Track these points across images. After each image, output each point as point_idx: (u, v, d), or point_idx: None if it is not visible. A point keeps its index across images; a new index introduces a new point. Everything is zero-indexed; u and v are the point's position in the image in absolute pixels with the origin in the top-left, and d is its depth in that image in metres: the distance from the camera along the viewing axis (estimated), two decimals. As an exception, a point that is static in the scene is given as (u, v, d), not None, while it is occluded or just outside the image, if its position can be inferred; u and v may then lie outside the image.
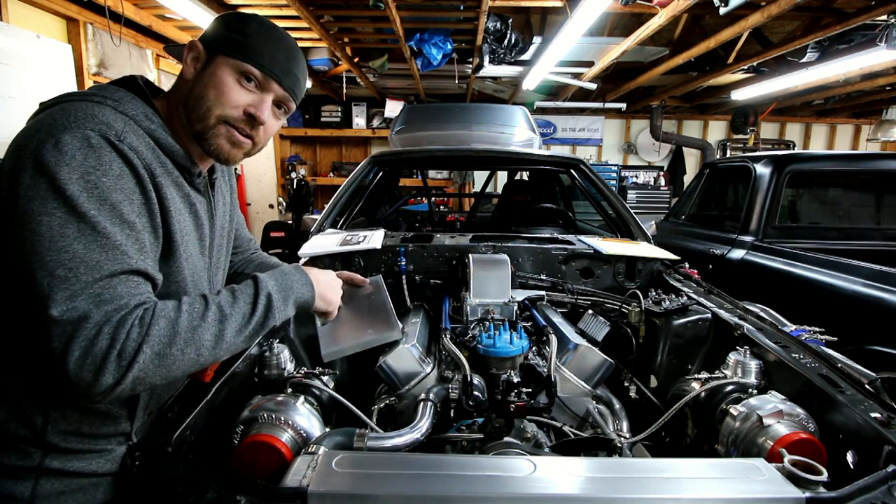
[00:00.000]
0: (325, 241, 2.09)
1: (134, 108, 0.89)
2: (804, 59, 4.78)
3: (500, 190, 5.06)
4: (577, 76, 5.85)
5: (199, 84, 0.95)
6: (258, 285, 0.94)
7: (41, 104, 0.89)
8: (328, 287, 1.12)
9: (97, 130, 0.81)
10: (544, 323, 1.58)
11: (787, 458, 0.84)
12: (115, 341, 0.74)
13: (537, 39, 4.92)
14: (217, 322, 0.85)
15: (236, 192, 1.28)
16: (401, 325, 1.42)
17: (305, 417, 1.04)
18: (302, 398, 1.09)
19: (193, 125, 0.96)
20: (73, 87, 3.75)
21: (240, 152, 1.00)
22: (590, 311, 1.81)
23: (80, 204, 0.76)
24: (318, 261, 1.96)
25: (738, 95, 6.38)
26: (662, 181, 8.52)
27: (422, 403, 1.22)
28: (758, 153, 4.04)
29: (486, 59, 4.93)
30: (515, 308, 1.66)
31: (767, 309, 1.92)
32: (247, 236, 1.43)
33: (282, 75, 0.97)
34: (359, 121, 8.06)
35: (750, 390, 1.21)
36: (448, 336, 1.45)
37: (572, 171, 2.80)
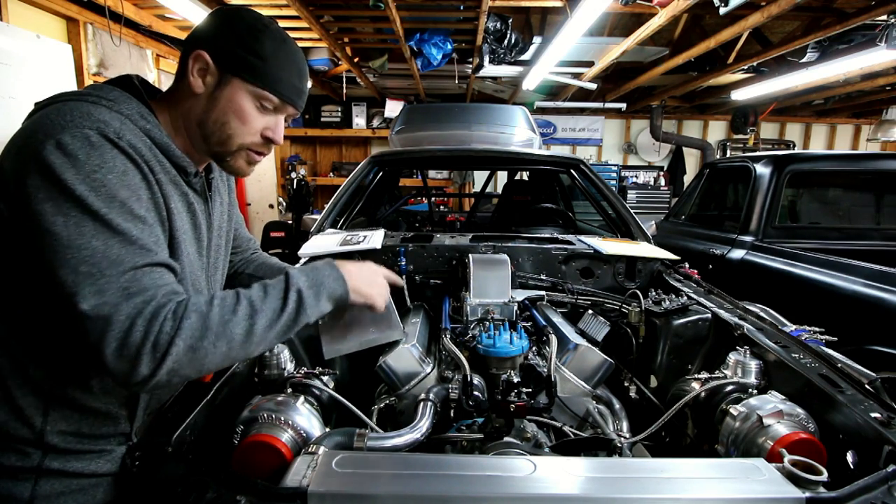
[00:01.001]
0: (325, 241, 2.09)
1: (129, 108, 0.89)
2: (804, 59, 4.78)
3: (500, 190, 5.06)
4: (577, 76, 5.85)
5: (216, 107, 0.94)
6: (288, 281, 0.94)
7: (36, 104, 0.89)
8: (363, 280, 1.09)
9: (96, 129, 0.80)
10: (544, 323, 1.58)
11: (787, 458, 0.84)
12: (149, 334, 0.76)
13: (537, 39, 4.92)
14: (248, 316, 0.85)
15: (234, 192, 1.28)
16: (402, 326, 1.42)
17: (305, 417, 1.04)
18: (302, 398, 1.09)
19: (213, 147, 0.98)
20: (73, 87, 3.75)
21: (253, 167, 1.04)
22: (590, 311, 1.81)
23: (91, 203, 0.77)
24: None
25: (738, 95, 6.38)
26: (662, 181, 8.51)
27: (422, 403, 1.21)
28: (758, 153, 4.03)
29: (486, 59, 4.92)
30: (515, 308, 1.66)
31: (767, 309, 1.92)
32: (246, 236, 1.43)
33: (297, 98, 1.00)
34: (359, 121, 8.06)
35: (750, 390, 1.21)
36: (448, 336, 1.45)
37: (572, 171, 2.80)
